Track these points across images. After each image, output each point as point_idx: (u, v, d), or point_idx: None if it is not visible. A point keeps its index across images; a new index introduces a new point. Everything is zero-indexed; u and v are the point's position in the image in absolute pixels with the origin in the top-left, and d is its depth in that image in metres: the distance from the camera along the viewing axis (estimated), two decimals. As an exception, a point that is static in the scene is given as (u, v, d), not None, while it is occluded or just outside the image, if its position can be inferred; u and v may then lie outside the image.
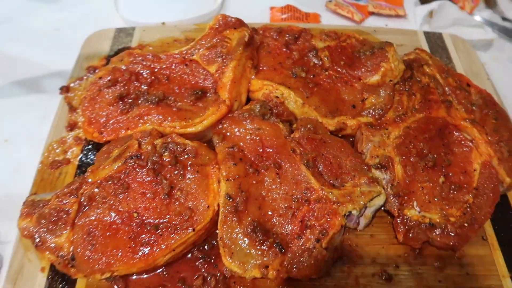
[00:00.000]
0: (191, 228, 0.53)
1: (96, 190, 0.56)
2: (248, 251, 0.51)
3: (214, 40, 0.68)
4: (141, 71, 0.68)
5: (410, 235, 0.55)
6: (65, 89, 0.73)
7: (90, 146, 0.66)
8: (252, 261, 0.51)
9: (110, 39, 0.82)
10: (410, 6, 0.94)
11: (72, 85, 0.74)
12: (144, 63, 0.69)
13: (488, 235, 0.58)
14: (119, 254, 0.52)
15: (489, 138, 0.61)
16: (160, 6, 0.94)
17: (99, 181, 0.57)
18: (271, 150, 0.60)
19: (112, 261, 0.51)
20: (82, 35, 0.82)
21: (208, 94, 0.66)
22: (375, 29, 0.83)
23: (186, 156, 0.58)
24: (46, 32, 0.90)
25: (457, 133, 0.63)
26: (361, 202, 0.54)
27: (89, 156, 0.65)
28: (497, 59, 0.84)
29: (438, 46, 0.80)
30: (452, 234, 0.54)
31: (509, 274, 0.55)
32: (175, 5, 0.94)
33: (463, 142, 0.62)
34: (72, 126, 0.68)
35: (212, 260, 0.55)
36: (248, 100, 0.68)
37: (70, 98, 0.72)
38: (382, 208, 0.58)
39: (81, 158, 0.65)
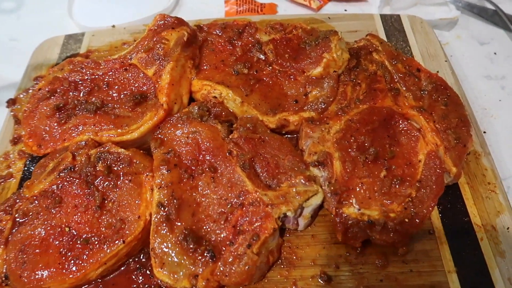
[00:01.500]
0: (121, 240, 0.52)
1: (30, 205, 0.55)
2: (179, 260, 0.50)
3: (152, 42, 0.66)
4: (81, 79, 0.67)
5: (349, 234, 0.53)
6: (11, 102, 0.72)
7: (32, 160, 0.65)
8: (182, 271, 0.50)
9: (59, 46, 0.81)
10: (371, -12, 0.90)
11: (21, 96, 0.74)
12: (84, 71, 0.68)
13: (435, 228, 0.55)
14: (51, 270, 0.51)
15: (437, 125, 0.58)
16: (114, 8, 0.92)
17: (34, 196, 0.56)
18: (207, 153, 0.58)
19: (44, 278, 0.51)
20: (38, 44, 0.81)
21: (148, 99, 0.65)
22: (329, 16, 0.79)
23: (120, 166, 0.57)
24: (1, 43, 0.89)
25: (404, 123, 0.60)
26: (296, 203, 0.52)
27: (31, 170, 0.65)
28: (460, 37, 0.80)
29: (395, 29, 0.77)
30: (392, 231, 0.51)
31: (455, 269, 0.52)
32: (129, 6, 0.92)
33: (409, 132, 0.59)
34: (16, 140, 0.68)
35: (148, 271, 0.54)
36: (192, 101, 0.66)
37: (17, 111, 0.72)
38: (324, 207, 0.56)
39: (24, 173, 0.65)
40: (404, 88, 0.63)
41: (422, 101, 0.62)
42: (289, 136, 0.64)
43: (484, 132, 0.67)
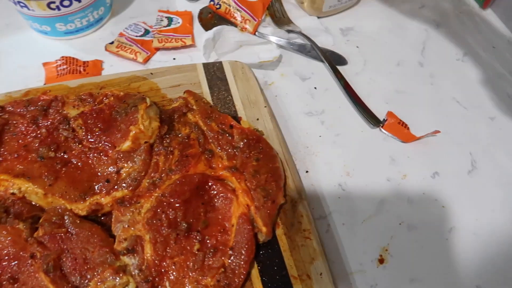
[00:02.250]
0: None
1: None
2: None
3: None
4: None
5: (166, 320, 0.52)
6: None
7: None
8: None
9: None
10: (200, 33, 0.90)
11: None
12: None
13: (256, 289, 0.57)
14: None
15: (248, 184, 0.60)
16: None
17: None
18: (8, 261, 0.53)
19: None
20: None
21: None
22: (152, 72, 0.77)
23: None
24: None
25: (218, 186, 0.60)
26: (106, 301, 0.50)
27: None
28: (284, 75, 0.83)
29: (217, 78, 0.77)
30: (207, 308, 0.51)
31: (274, 328, 0.54)
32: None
33: (224, 195, 0.60)
34: None
35: None
36: None
37: None
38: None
39: None
40: (218, 149, 0.64)
41: (235, 159, 0.63)
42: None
43: (307, 172, 0.70)
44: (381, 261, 0.62)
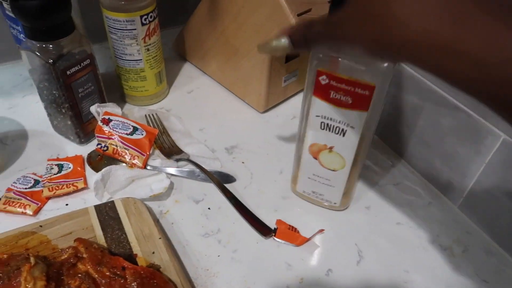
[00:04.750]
0: None
1: None
2: None
3: None
4: None
5: None
6: None
7: None
8: None
9: None
10: (92, 174, 0.92)
11: None
12: None
13: None
14: None
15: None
16: None
17: None
18: None
19: None
20: None
21: None
22: (41, 225, 0.77)
23: None
24: None
25: (114, 336, 0.59)
26: None
27: None
28: (178, 201, 0.87)
29: (110, 218, 0.79)
30: None
31: None
32: None
33: None
34: None
35: None
36: None
37: None
38: None
39: None
40: (111, 294, 0.63)
41: (130, 302, 0.62)
42: None
43: (210, 296, 0.71)
44: None
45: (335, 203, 0.84)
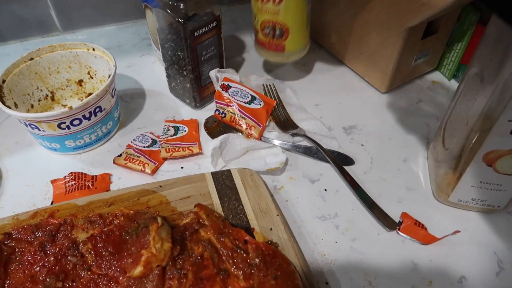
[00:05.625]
0: None
1: None
2: None
3: None
4: None
5: None
6: None
7: None
8: None
9: None
10: (206, 140, 0.91)
11: None
12: None
13: None
14: None
15: (268, 308, 0.56)
16: None
17: None
18: None
19: None
20: None
21: None
22: (161, 185, 0.77)
23: None
24: None
25: (236, 311, 0.56)
26: None
27: None
28: (293, 178, 0.83)
29: (227, 187, 0.76)
30: None
31: None
32: None
33: (242, 321, 0.56)
34: None
35: None
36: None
37: None
38: None
39: None
40: (233, 268, 0.61)
41: (253, 279, 0.59)
42: None
43: (327, 283, 0.67)
44: None
45: (498, 206, 0.73)
